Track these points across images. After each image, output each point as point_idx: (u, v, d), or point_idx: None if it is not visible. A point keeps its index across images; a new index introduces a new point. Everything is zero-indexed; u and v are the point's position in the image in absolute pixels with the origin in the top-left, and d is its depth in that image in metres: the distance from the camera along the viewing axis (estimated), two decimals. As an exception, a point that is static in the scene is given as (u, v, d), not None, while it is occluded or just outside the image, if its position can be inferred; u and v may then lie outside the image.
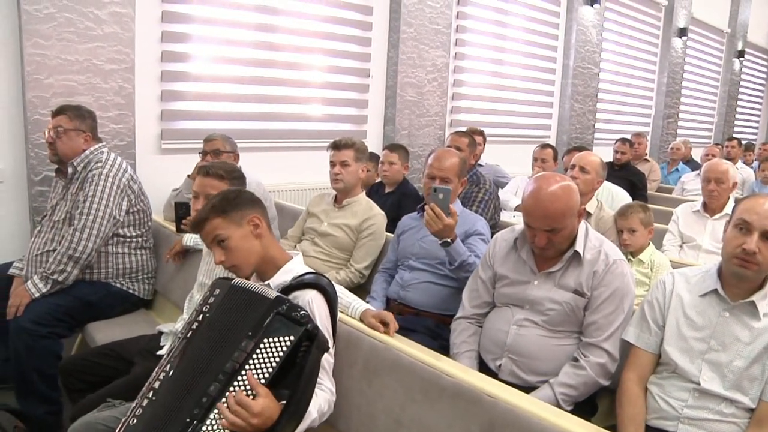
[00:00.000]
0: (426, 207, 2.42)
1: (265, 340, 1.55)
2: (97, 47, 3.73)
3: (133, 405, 1.64)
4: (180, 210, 2.91)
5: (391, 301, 2.76)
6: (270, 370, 1.53)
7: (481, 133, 4.79)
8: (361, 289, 2.98)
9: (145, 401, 1.61)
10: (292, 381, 1.56)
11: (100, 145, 3.05)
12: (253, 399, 1.48)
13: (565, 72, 7.25)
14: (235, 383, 1.51)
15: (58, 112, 2.99)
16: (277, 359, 1.54)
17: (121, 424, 1.61)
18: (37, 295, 2.75)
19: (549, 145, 4.89)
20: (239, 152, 3.67)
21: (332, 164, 3.09)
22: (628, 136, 6.14)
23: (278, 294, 1.63)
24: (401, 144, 4.21)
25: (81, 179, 2.93)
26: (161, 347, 2.34)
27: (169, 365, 1.64)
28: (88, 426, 1.89)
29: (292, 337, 1.56)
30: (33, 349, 2.65)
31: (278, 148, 4.75)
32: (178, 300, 2.89)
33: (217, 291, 1.71)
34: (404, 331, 2.02)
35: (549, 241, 2.05)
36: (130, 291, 3.03)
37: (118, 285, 2.99)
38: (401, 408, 1.74)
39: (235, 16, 4.44)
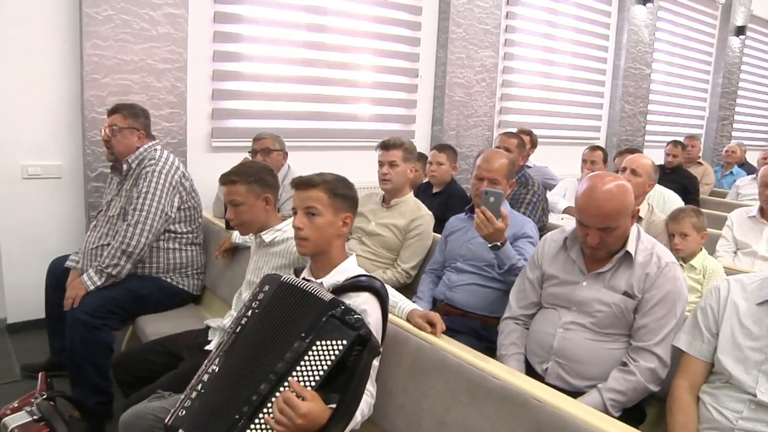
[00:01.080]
0: (476, 210, 2.40)
1: (318, 343, 1.54)
2: (152, 47, 3.83)
3: (182, 397, 1.67)
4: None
5: (437, 302, 2.75)
6: (321, 373, 1.52)
7: (530, 134, 4.74)
8: (407, 289, 2.98)
9: (194, 393, 1.64)
10: (341, 384, 1.55)
11: (154, 142, 3.12)
12: (302, 400, 1.47)
13: (616, 72, 7.12)
14: (286, 384, 1.51)
15: (113, 111, 3.07)
16: (329, 363, 1.53)
17: (170, 415, 1.65)
18: (92, 287, 2.83)
19: (599, 147, 4.81)
20: (288, 151, 3.72)
21: (381, 164, 3.10)
22: (681, 139, 5.99)
23: (333, 296, 1.62)
24: (449, 144, 4.19)
25: (135, 176, 3.00)
26: (209, 342, 2.38)
27: (218, 359, 1.66)
28: (138, 415, 1.93)
29: (344, 341, 1.54)
30: (87, 340, 2.73)
31: (326, 148, 4.80)
32: (225, 296, 2.93)
33: (267, 287, 1.72)
34: (450, 332, 2.01)
35: (601, 240, 2.01)
36: (180, 286, 3.09)
37: (168, 280, 3.06)
38: (446, 409, 1.73)
39: (285, 16, 4.51)
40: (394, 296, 2.09)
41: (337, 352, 1.53)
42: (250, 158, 3.52)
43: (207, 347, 2.33)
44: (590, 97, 6.99)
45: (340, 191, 1.89)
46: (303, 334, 1.55)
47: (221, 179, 2.42)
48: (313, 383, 1.51)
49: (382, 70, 5.09)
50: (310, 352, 1.53)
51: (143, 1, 3.77)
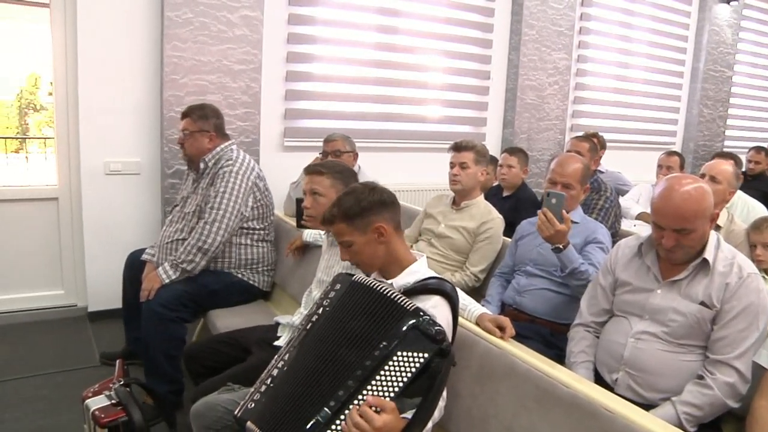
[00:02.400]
0: (539, 211, 2.37)
1: (399, 353, 1.52)
2: (228, 49, 3.94)
3: (252, 390, 1.71)
4: (301, 206, 3.00)
5: (506, 307, 2.72)
6: (400, 384, 1.50)
7: (597, 137, 4.61)
8: (475, 293, 2.95)
9: (263, 387, 1.67)
10: (416, 392, 1.53)
11: (230, 142, 3.20)
12: (378, 414, 1.45)
13: (694, 75, 6.86)
14: (364, 392, 1.50)
15: (184, 115, 3.18)
16: (409, 374, 1.50)
17: (239, 407, 1.68)
18: (166, 281, 2.93)
19: (675, 152, 4.66)
20: (358, 152, 3.75)
21: (452, 165, 3.09)
22: (765, 145, 5.73)
23: (415, 305, 1.59)
24: (520, 147, 4.15)
25: (212, 175, 3.09)
26: (278, 338, 2.43)
27: (288, 355, 1.69)
28: (209, 406, 1.99)
29: (426, 354, 1.52)
30: (161, 331, 2.83)
31: (397, 149, 4.82)
32: (295, 293, 2.98)
33: (338, 286, 1.73)
34: (518, 337, 1.98)
35: (677, 243, 1.94)
36: (251, 282, 3.16)
37: (239, 275, 3.13)
38: (513, 415, 1.71)
39: (357, 18, 4.55)
40: (464, 299, 2.08)
41: (417, 365, 1.51)
42: (321, 159, 3.57)
43: (276, 343, 2.38)
44: (666, 101, 6.75)
45: (354, 211, 1.86)
46: (384, 343, 1.52)
47: (308, 169, 2.49)
48: (392, 394, 1.49)
49: (454, 72, 5.07)
50: (390, 362, 1.51)
51: (221, 4, 3.88)
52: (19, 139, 4.81)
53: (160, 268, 2.97)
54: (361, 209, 1.85)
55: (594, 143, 4.00)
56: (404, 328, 1.53)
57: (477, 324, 1.98)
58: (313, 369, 1.59)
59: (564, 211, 2.34)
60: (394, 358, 1.51)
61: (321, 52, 4.48)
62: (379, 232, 1.86)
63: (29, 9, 4.09)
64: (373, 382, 1.50)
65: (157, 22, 3.85)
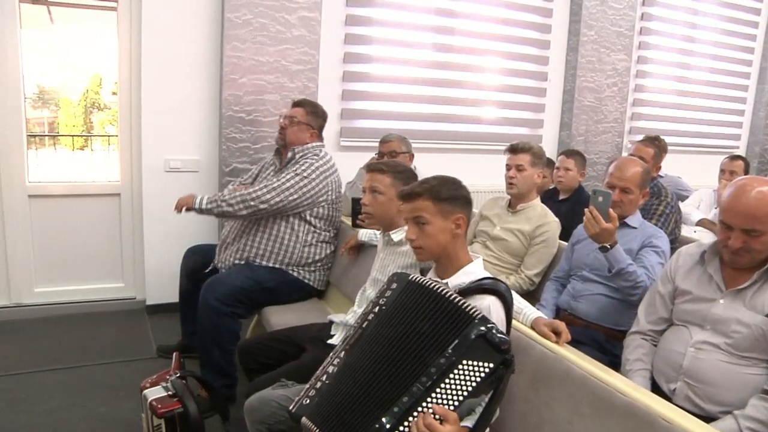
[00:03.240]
0: (585, 209, 2.34)
1: (464, 362, 1.50)
2: (286, 49, 3.99)
3: (306, 386, 1.72)
4: (357, 206, 3.01)
5: (560, 311, 2.68)
6: (464, 394, 1.48)
7: (658, 140, 4.48)
8: (529, 297, 2.91)
9: (319, 384, 1.68)
10: (477, 399, 1.53)
11: (322, 144, 3.27)
12: (441, 424, 1.45)
13: (762, 76, 6.60)
14: (429, 399, 1.49)
15: (297, 104, 3.27)
16: (473, 384, 1.49)
17: (294, 403, 1.70)
18: (196, 206, 3.03)
19: (740, 157, 4.50)
20: (414, 152, 3.75)
21: (508, 168, 3.06)
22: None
23: (480, 311, 1.56)
24: (578, 150, 4.08)
25: (293, 164, 3.15)
26: (331, 336, 2.45)
27: (343, 353, 1.70)
28: (263, 401, 2.02)
29: (491, 365, 1.50)
30: (216, 326, 2.89)
31: (452, 150, 4.81)
32: (349, 292, 2.99)
33: (395, 285, 1.73)
34: (573, 342, 1.94)
35: (745, 245, 1.87)
36: (305, 280, 3.19)
37: (294, 273, 3.16)
38: (568, 421, 1.68)
39: (414, 18, 4.56)
40: (519, 302, 2.06)
41: (482, 375, 1.49)
42: (377, 159, 3.59)
43: (329, 341, 2.40)
44: (731, 103, 6.52)
45: (446, 194, 1.87)
46: (450, 351, 1.50)
47: (369, 166, 2.52)
48: (456, 404, 1.48)
49: (510, 73, 5.03)
50: (455, 371, 1.49)
51: (279, 5, 3.94)
52: (84, 137, 4.98)
53: (200, 196, 3.05)
54: (450, 195, 1.87)
55: (659, 148, 3.90)
56: (471, 337, 1.51)
57: (532, 328, 1.95)
58: (373, 370, 1.58)
59: (611, 210, 2.31)
60: (459, 366, 1.49)
61: (377, 53, 4.50)
62: (458, 223, 1.87)
63: (97, 12, 4.25)
64: (438, 390, 1.49)
65: (218, 23, 3.93)
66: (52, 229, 4.06)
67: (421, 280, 1.68)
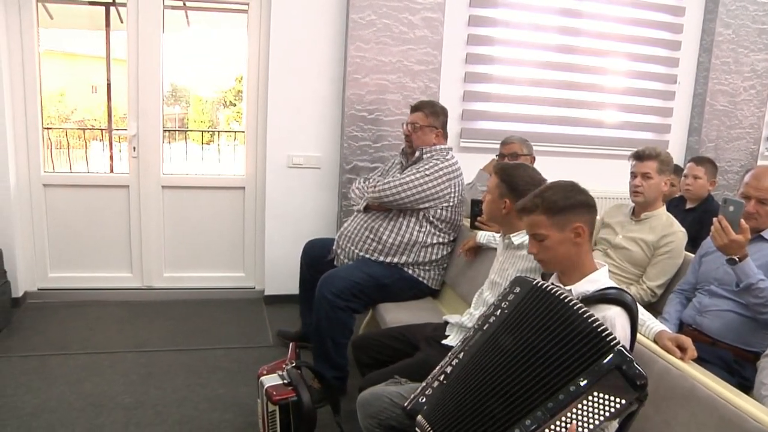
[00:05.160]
0: (714, 219, 2.20)
1: (596, 394, 1.43)
2: (409, 49, 4.02)
3: (423, 385, 1.72)
4: (476, 207, 2.99)
5: (683, 326, 2.53)
6: (590, 427, 1.42)
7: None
8: (650, 309, 2.77)
9: (436, 383, 1.67)
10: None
11: (449, 146, 3.28)
12: None
13: None
14: (552, 427, 1.43)
15: (416, 109, 3.30)
16: (602, 418, 1.42)
17: (409, 400, 1.70)
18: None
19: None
20: (535, 155, 3.67)
21: (633, 175, 2.93)
22: None
23: (618, 341, 1.47)
24: (708, 157, 3.84)
25: (419, 163, 3.19)
26: (446, 337, 2.43)
27: (462, 354, 1.67)
28: (376, 396, 2.03)
29: (623, 401, 1.43)
30: (330, 318, 2.95)
31: (573, 154, 4.66)
32: (464, 294, 2.97)
33: (517, 289, 1.69)
34: (697, 360, 1.83)
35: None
36: (421, 279, 3.19)
37: (410, 272, 3.18)
38: (691, 443, 1.58)
39: (538, 19, 4.45)
40: (643, 314, 1.96)
41: (613, 410, 1.42)
42: (498, 161, 3.54)
43: (444, 342, 2.38)
44: None
45: (561, 205, 1.79)
46: (582, 380, 1.43)
47: (496, 167, 2.51)
48: None
49: (636, 75, 4.80)
50: (585, 401, 1.42)
51: (403, 6, 3.98)
52: (211, 132, 5.26)
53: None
54: (565, 205, 1.80)
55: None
56: (607, 368, 1.42)
57: (655, 341, 1.85)
58: (493, 381, 1.54)
59: (742, 221, 2.15)
60: (591, 397, 1.42)
61: (500, 54, 4.43)
62: (577, 232, 1.79)
63: (229, 15, 4.48)
64: (563, 419, 1.43)
65: (342, 24, 4.02)
66: (181, 218, 4.32)
67: (546, 286, 1.62)
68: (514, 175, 2.40)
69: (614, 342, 1.45)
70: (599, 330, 1.46)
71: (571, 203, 1.81)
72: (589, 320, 1.48)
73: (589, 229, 1.82)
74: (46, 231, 4.18)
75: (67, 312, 3.99)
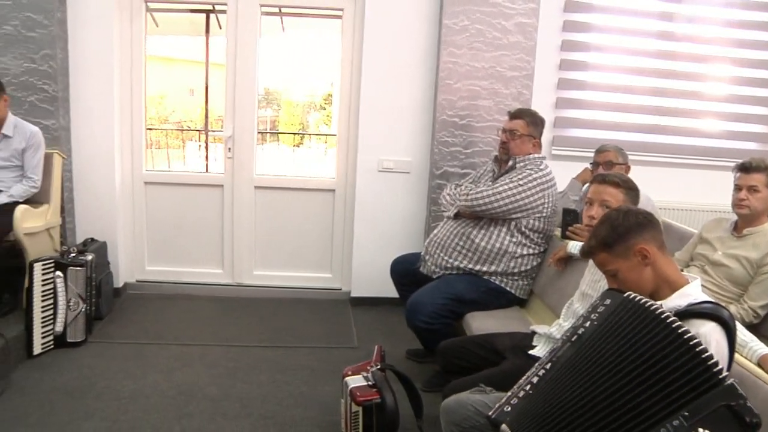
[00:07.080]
0: None
1: (700, 430, 1.32)
2: (502, 55, 3.99)
3: (509, 394, 1.68)
4: (568, 217, 2.92)
5: (792, 350, 2.39)
6: None
7: None
8: (752, 330, 2.62)
9: (522, 393, 1.64)
10: None
11: (544, 156, 3.25)
12: None
13: None
14: None
15: (515, 116, 3.27)
16: None
17: (494, 409, 1.67)
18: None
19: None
20: (631, 164, 3.56)
21: (737, 188, 2.77)
22: None
23: (731, 377, 1.36)
24: (820, 170, 3.59)
25: (512, 173, 3.16)
26: (533, 347, 2.39)
27: (550, 365, 1.63)
28: (460, 404, 2.01)
29: None
30: (433, 338, 2.98)
31: (671, 164, 4.46)
32: (553, 304, 2.92)
33: (608, 301, 1.64)
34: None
35: None
36: (508, 288, 3.15)
37: (497, 281, 3.14)
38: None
39: (635, 24, 4.31)
40: (744, 335, 1.87)
41: None
42: (591, 170, 3.45)
43: (531, 352, 2.34)
44: None
45: (614, 236, 1.76)
46: (686, 415, 1.33)
47: (597, 178, 2.47)
48: None
49: (741, 81, 4.54)
50: None
51: (497, 11, 3.94)
52: (301, 135, 5.38)
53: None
54: (618, 235, 1.77)
55: None
56: (715, 405, 1.32)
57: (759, 365, 1.76)
58: (582, 397, 1.48)
59: None
60: None
61: (595, 60, 4.32)
62: (642, 254, 1.74)
63: (323, 21, 4.57)
64: None
65: (435, 29, 4.03)
66: (271, 218, 4.44)
67: (639, 299, 1.56)
68: (635, 187, 2.42)
69: (724, 376, 1.35)
70: (704, 357, 1.36)
71: (622, 231, 1.77)
72: (691, 343, 1.39)
73: (655, 246, 1.76)
74: (145, 226, 4.40)
75: (161, 304, 4.20)
